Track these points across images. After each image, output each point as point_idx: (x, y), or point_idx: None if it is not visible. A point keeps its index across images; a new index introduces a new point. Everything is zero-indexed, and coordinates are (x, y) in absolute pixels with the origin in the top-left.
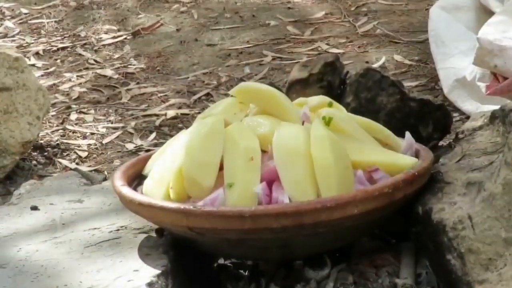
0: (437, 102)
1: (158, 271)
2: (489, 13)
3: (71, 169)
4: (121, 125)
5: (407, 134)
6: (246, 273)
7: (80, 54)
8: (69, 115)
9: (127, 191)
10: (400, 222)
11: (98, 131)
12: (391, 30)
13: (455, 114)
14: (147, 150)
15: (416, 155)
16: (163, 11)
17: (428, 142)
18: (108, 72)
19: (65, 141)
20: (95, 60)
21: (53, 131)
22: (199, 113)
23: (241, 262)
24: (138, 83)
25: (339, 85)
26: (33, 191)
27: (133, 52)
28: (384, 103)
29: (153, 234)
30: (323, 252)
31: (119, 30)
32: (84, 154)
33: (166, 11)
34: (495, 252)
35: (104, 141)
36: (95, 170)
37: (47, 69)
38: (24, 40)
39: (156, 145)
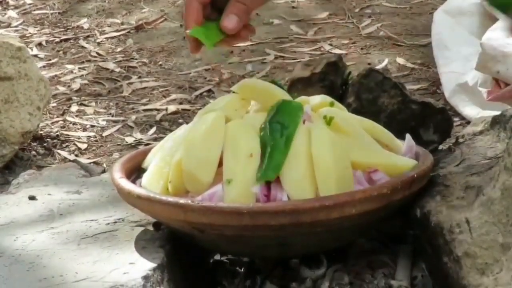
0: (438, 105)
1: (154, 265)
2: (493, 19)
3: (70, 160)
4: (121, 118)
5: (408, 136)
6: (242, 270)
7: (82, 46)
8: (69, 106)
9: (126, 184)
10: (398, 224)
11: (98, 123)
12: (395, 32)
13: (456, 119)
14: (147, 144)
15: (416, 157)
16: (167, 6)
17: (428, 145)
18: (110, 65)
19: (65, 132)
20: (97, 53)
21: (53, 122)
22: (199, 109)
23: (237, 259)
24: (139, 77)
25: (341, 85)
26: (31, 181)
27: (136, 46)
28: (385, 104)
29: (150, 228)
30: (320, 252)
31: (122, 24)
32: (83, 146)
33: (170, 6)
34: (491, 257)
35: (104, 134)
36: (94, 162)
37: (49, 60)
38: (27, 30)
39: (156, 139)
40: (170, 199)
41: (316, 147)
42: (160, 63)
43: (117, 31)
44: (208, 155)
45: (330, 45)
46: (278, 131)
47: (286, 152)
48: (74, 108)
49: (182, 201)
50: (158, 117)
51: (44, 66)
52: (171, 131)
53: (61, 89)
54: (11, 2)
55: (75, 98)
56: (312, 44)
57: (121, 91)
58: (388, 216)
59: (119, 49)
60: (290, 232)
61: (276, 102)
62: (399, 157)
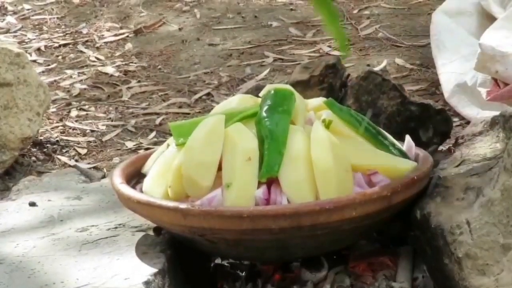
0: (437, 106)
1: (155, 270)
2: (492, 18)
3: (70, 166)
4: (121, 123)
5: (407, 138)
6: (243, 274)
7: (81, 51)
8: (69, 112)
9: (126, 189)
10: (398, 226)
11: (98, 128)
12: (393, 33)
13: (455, 119)
14: (147, 149)
15: (416, 159)
16: (166, 10)
17: (428, 146)
18: (109, 69)
19: (64, 137)
20: (96, 58)
21: (53, 128)
22: (199, 112)
23: (238, 263)
24: (139, 81)
25: (340, 88)
26: (31, 187)
27: (135, 50)
28: (384, 106)
29: (151, 233)
30: (321, 254)
31: (121, 28)
32: (83, 151)
33: (168, 10)
34: (492, 257)
35: (104, 139)
36: (94, 168)
37: (48, 65)
38: (26, 36)
39: (155, 143)
40: (170, 204)
41: (316, 150)
42: (159, 67)
43: (115, 35)
44: (207, 159)
45: (329, 47)
46: (272, 123)
47: (284, 140)
48: (73, 113)
49: (182, 206)
50: (157, 121)
51: (43, 72)
52: (171, 135)
53: (61, 94)
54: (9, 8)
55: (74, 103)
56: (311, 46)
57: (120, 95)
58: (388, 218)
59: (118, 54)
60: (290, 235)
61: (267, 92)
62: (398, 159)
